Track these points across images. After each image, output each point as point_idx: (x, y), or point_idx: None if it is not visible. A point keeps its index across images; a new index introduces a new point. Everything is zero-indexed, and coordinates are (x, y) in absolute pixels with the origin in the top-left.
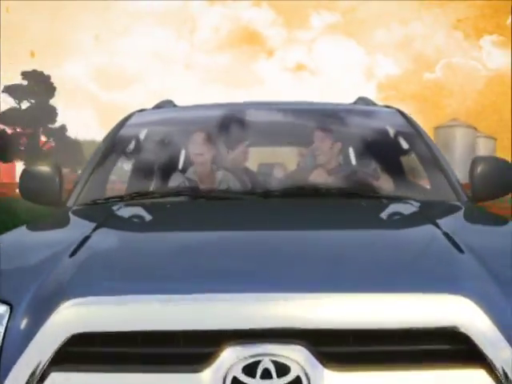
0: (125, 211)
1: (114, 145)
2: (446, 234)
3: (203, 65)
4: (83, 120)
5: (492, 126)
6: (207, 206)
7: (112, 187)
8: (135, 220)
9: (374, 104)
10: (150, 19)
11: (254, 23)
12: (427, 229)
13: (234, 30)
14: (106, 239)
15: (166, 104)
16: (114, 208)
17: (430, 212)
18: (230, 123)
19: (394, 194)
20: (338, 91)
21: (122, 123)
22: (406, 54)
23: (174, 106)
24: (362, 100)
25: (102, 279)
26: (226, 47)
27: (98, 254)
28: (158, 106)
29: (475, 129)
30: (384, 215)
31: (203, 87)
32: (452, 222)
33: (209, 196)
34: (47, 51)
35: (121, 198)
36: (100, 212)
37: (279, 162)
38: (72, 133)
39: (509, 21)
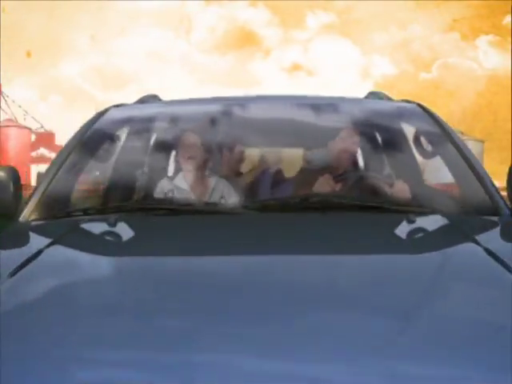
0: (88, 230)
1: (84, 145)
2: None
3: (199, 65)
4: (79, 120)
5: (488, 127)
6: (193, 225)
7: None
8: (97, 246)
9: (389, 98)
10: (146, 19)
11: (250, 23)
12: (476, 261)
13: (230, 30)
14: (49, 275)
15: (150, 99)
16: (75, 226)
17: (470, 231)
18: (225, 121)
19: (419, 206)
20: (334, 91)
21: (95, 120)
22: (402, 53)
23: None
24: (374, 95)
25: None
26: (222, 47)
27: (31, 304)
28: (141, 101)
29: (462, 133)
30: (413, 240)
31: (199, 87)
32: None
33: (196, 211)
34: (43, 51)
35: (87, 212)
36: (56, 230)
37: (278, 167)
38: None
39: (505, 21)
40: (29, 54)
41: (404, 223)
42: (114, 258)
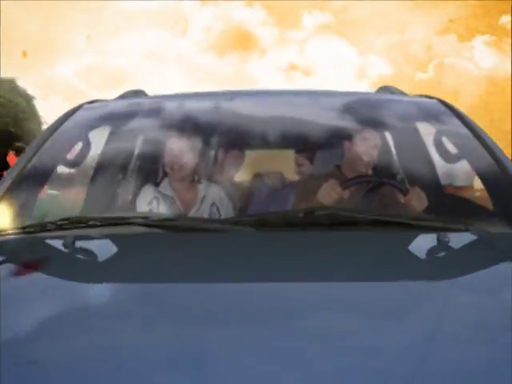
0: (51, 248)
1: (50, 148)
2: None
3: (196, 64)
4: None
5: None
6: (175, 245)
7: None
8: (58, 270)
9: (403, 94)
10: (143, 19)
11: (246, 23)
12: None
13: (226, 30)
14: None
15: (134, 94)
16: (32, 241)
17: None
18: (218, 119)
19: (447, 221)
20: None
21: (64, 118)
22: (398, 54)
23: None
24: (386, 90)
25: None
26: (218, 47)
27: None
28: (123, 97)
29: None
30: (449, 269)
31: (196, 87)
32: None
33: (176, 227)
34: (39, 51)
35: (50, 226)
36: (10, 247)
37: (276, 171)
38: None
39: (501, 21)
40: (25, 54)
41: (434, 246)
42: (86, 295)
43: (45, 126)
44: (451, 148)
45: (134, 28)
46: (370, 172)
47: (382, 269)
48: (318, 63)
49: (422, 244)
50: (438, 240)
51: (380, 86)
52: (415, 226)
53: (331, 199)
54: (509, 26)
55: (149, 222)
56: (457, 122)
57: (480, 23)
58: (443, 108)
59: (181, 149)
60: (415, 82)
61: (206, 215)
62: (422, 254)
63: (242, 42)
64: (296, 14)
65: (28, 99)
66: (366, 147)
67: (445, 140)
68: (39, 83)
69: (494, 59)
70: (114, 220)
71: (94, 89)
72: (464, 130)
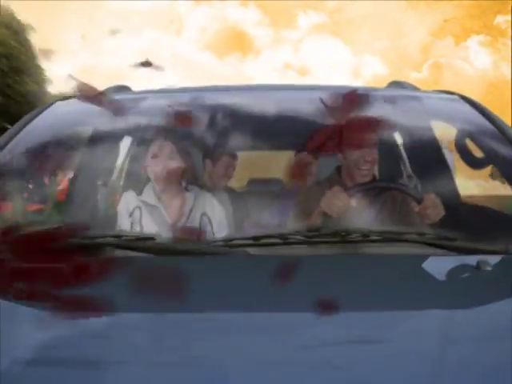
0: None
1: (13, 151)
2: None
3: (190, 64)
4: None
5: None
6: (146, 273)
7: None
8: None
9: (417, 89)
10: (137, 19)
11: (241, 23)
12: None
13: (221, 30)
14: None
15: (119, 90)
16: None
17: None
18: (210, 118)
19: (482, 241)
20: None
21: (32, 118)
22: (393, 53)
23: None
24: (397, 85)
25: None
26: (213, 47)
27: None
28: (104, 94)
29: None
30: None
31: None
32: None
33: (157, 249)
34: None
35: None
36: None
37: (275, 178)
38: None
39: (496, 21)
40: None
41: (475, 273)
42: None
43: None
44: (476, 151)
45: (128, 28)
46: (375, 174)
47: (404, 303)
48: (313, 63)
49: (457, 271)
50: (478, 267)
51: (372, 85)
52: (439, 245)
53: (337, 208)
54: (504, 26)
55: (122, 242)
56: (483, 121)
57: (475, 23)
58: (466, 105)
59: (166, 152)
60: (410, 82)
61: (195, 226)
62: (459, 285)
63: (236, 41)
64: (291, 14)
65: (18, 29)
66: (369, 150)
67: (468, 142)
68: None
69: (488, 59)
70: (87, 241)
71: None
72: (492, 131)
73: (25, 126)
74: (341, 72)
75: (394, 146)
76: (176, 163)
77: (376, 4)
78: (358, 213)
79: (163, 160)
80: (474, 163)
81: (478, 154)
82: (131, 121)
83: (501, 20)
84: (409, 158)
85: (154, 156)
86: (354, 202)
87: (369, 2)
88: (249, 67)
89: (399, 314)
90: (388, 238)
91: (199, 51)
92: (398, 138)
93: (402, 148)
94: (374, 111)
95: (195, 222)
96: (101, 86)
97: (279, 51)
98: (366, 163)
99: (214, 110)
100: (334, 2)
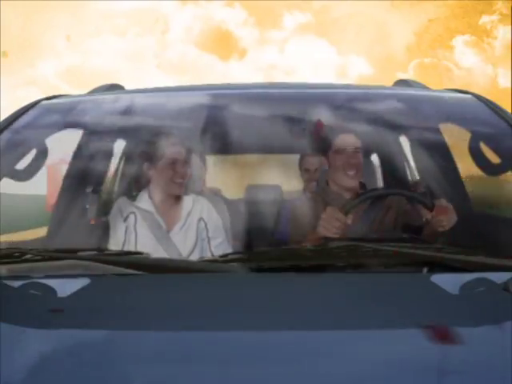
0: None
1: None
2: None
3: (175, 64)
4: None
5: None
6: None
7: None
8: None
9: (425, 87)
10: (122, 19)
11: (227, 23)
12: None
13: (206, 30)
14: None
15: (111, 89)
16: None
17: None
18: (211, 119)
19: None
20: None
21: (13, 119)
22: (378, 53)
23: None
24: (404, 84)
25: None
26: (198, 47)
27: None
28: (95, 92)
29: None
30: None
31: None
32: None
33: (148, 266)
34: (20, 51)
35: None
36: None
37: (275, 185)
38: None
39: (482, 21)
40: (5, 54)
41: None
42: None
43: None
44: (492, 156)
45: (113, 28)
46: (360, 183)
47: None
48: (299, 63)
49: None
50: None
51: (370, 83)
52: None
53: (335, 230)
54: (489, 26)
55: (101, 257)
56: (500, 123)
57: (459, 23)
58: (481, 105)
59: (184, 157)
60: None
61: (192, 232)
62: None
63: (222, 42)
64: (276, 14)
65: None
66: (346, 155)
67: (483, 146)
68: (20, 83)
69: (473, 59)
70: (58, 254)
71: (77, 89)
72: (506, 128)
73: (2, 131)
74: (326, 72)
75: (399, 150)
76: (189, 171)
77: (361, 4)
78: (357, 228)
79: (183, 167)
80: (490, 169)
81: (495, 159)
82: (123, 121)
83: (486, 20)
84: (416, 163)
85: (173, 163)
86: (350, 219)
87: (354, 2)
88: (234, 67)
89: (423, 333)
90: (404, 263)
91: (184, 51)
92: (405, 142)
93: (408, 152)
94: (383, 111)
95: (192, 227)
96: (87, 85)
97: (264, 51)
98: (351, 167)
99: (220, 110)
100: (319, 2)
